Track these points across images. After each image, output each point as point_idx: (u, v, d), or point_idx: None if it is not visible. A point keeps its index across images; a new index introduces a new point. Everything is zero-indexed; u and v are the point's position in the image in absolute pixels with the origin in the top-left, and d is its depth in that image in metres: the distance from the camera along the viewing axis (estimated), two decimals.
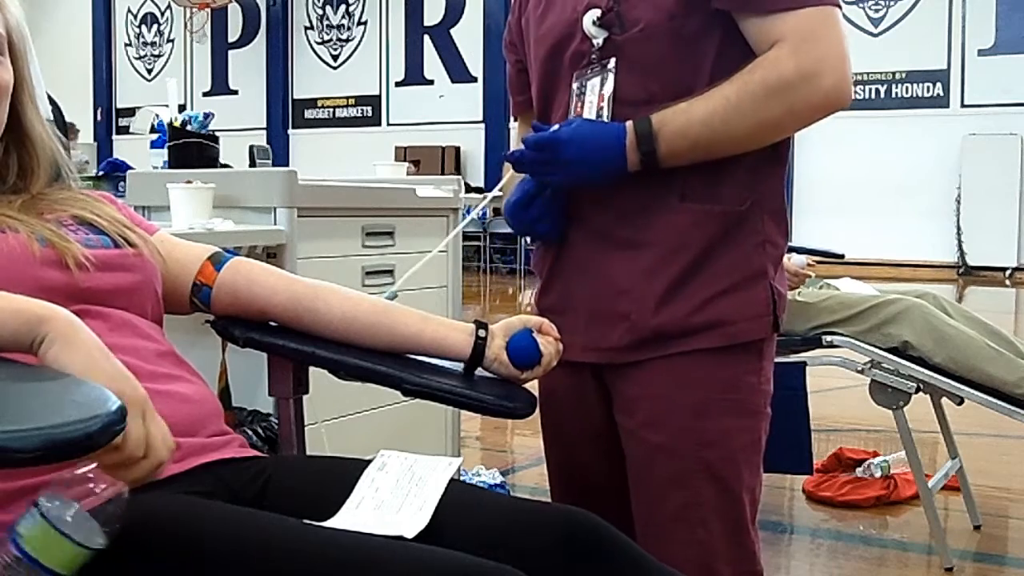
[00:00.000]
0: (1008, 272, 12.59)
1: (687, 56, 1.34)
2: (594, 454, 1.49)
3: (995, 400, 2.69)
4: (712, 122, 1.28)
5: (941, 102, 13.31)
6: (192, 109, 2.82)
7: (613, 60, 1.36)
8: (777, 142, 1.37)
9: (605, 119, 1.36)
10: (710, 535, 1.35)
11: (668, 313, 1.35)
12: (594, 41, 1.37)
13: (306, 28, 17.68)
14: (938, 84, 13.28)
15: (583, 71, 1.40)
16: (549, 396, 1.51)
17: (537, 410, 1.32)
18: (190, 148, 2.59)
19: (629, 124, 1.31)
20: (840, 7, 1.34)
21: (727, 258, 1.35)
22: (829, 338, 2.83)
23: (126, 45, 19.26)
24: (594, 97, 1.38)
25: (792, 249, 2.92)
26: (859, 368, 2.85)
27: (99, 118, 19.11)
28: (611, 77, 1.36)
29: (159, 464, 0.90)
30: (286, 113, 17.79)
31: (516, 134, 1.65)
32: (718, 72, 1.32)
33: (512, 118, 1.70)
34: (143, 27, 19.16)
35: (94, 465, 0.84)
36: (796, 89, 1.27)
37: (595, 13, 1.36)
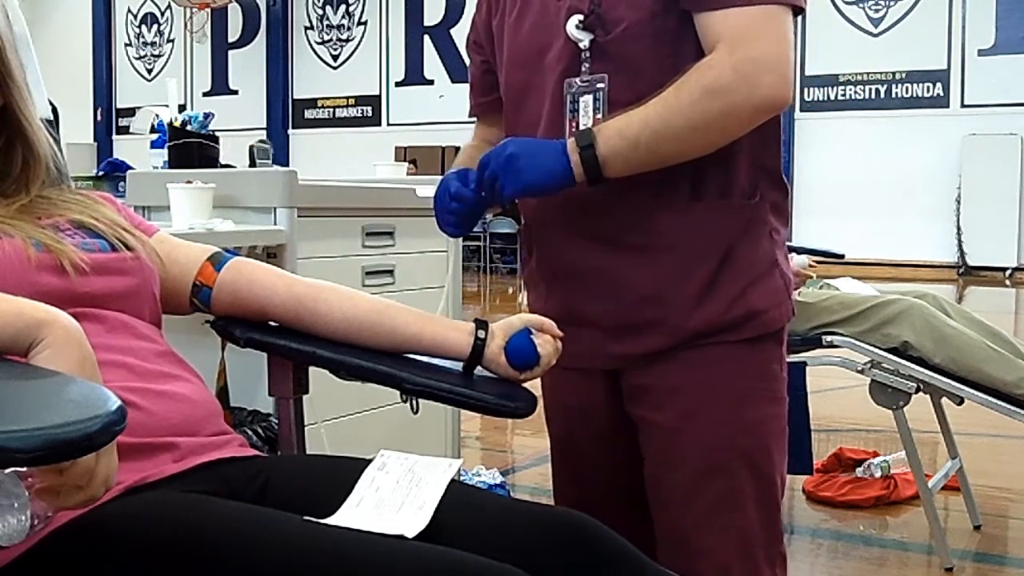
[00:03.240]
0: (1008, 272, 12.59)
1: (671, 55, 1.33)
2: (603, 457, 1.49)
3: (995, 400, 2.69)
4: (651, 122, 1.27)
5: (941, 102, 13.31)
6: (192, 109, 2.82)
7: (605, 79, 1.36)
8: (767, 131, 1.37)
9: None
10: (748, 521, 1.38)
11: (705, 313, 1.37)
12: (580, 44, 1.37)
13: (306, 28, 17.68)
14: (938, 84, 13.28)
15: (572, 81, 1.39)
16: (555, 404, 1.51)
17: (538, 410, 1.32)
18: (190, 148, 2.59)
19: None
20: (795, 7, 1.31)
21: (747, 250, 1.38)
22: (829, 338, 2.83)
23: (126, 45, 19.26)
24: (588, 120, 1.37)
25: (792, 249, 2.92)
26: (859, 368, 2.85)
27: (99, 118, 19.10)
28: (603, 96, 1.36)
29: (92, 499, 0.87)
30: (286, 113, 17.79)
31: (476, 135, 1.65)
32: None
33: (474, 118, 1.68)
34: (143, 27, 19.16)
35: (30, 479, 0.84)
36: (732, 91, 1.26)
37: (578, 17, 1.36)
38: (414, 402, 1.29)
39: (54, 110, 1.46)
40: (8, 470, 0.82)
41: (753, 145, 1.37)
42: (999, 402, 2.69)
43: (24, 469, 0.83)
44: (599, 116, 1.36)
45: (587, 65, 1.37)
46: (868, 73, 13.38)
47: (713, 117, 1.27)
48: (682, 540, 1.38)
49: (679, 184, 1.36)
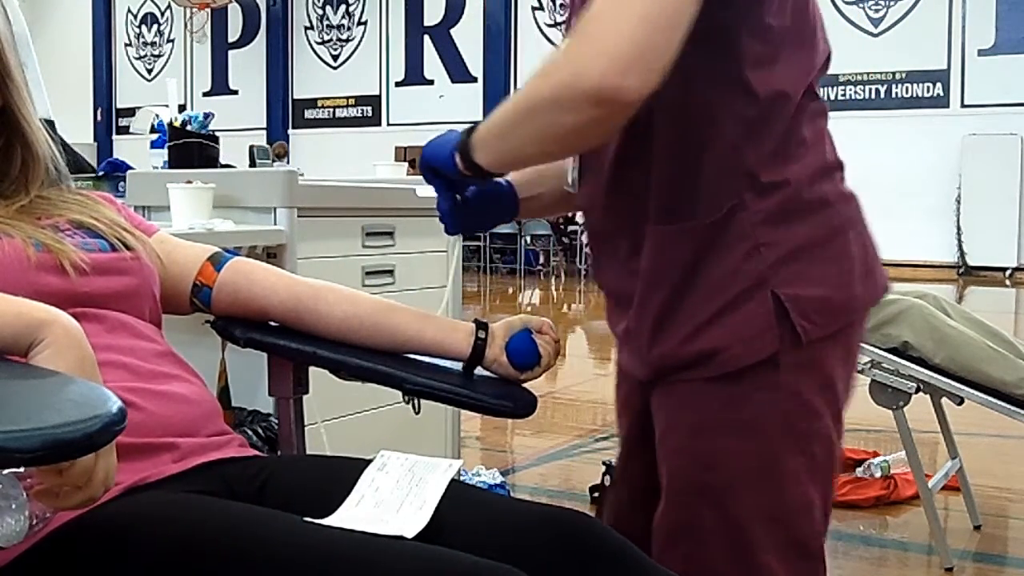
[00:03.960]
0: (1008, 272, 12.60)
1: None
2: (636, 464, 1.46)
3: (995, 400, 2.69)
4: (507, 113, 1.14)
5: (941, 102, 13.32)
6: (192, 109, 2.82)
7: None
8: (753, 127, 1.18)
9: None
10: (712, 559, 1.24)
11: (660, 347, 1.23)
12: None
13: (306, 28, 17.69)
14: (938, 84, 13.29)
15: None
16: (617, 404, 1.48)
17: (538, 410, 1.32)
18: (190, 148, 2.59)
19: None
20: None
21: (714, 276, 1.19)
22: None
23: (126, 45, 19.27)
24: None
25: None
26: (859, 368, 2.85)
27: (99, 118, 19.11)
28: None
29: (91, 500, 0.86)
30: (286, 113, 17.80)
31: None
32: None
33: None
34: (143, 27, 19.17)
35: (29, 479, 0.84)
36: (557, 77, 1.07)
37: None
38: (416, 403, 1.29)
39: (51, 123, 1.45)
40: (6, 471, 0.82)
41: (727, 146, 1.19)
42: (999, 402, 2.69)
43: (22, 470, 0.83)
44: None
45: None
46: (868, 73, 13.39)
47: (543, 107, 1.09)
48: (658, 559, 1.33)
49: (647, 207, 1.23)
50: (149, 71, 18.93)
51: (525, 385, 1.30)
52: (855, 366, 1.31)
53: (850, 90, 13.48)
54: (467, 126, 1.22)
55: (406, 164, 4.02)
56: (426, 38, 16.72)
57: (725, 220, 1.19)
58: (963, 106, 13.29)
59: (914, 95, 13.41)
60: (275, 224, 2.27)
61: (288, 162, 12.91)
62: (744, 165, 1.19)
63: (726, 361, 1.19)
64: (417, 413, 1.30)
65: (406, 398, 1.28)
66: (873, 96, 13.43)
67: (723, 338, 1.19)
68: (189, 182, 2.20)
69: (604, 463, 2.92)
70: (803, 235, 1.19)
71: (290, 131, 17.56)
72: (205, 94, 17.88)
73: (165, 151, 2.65)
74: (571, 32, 1.10)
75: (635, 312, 1.26)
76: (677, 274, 1.21)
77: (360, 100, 17.24)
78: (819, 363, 1.21)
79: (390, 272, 2.58)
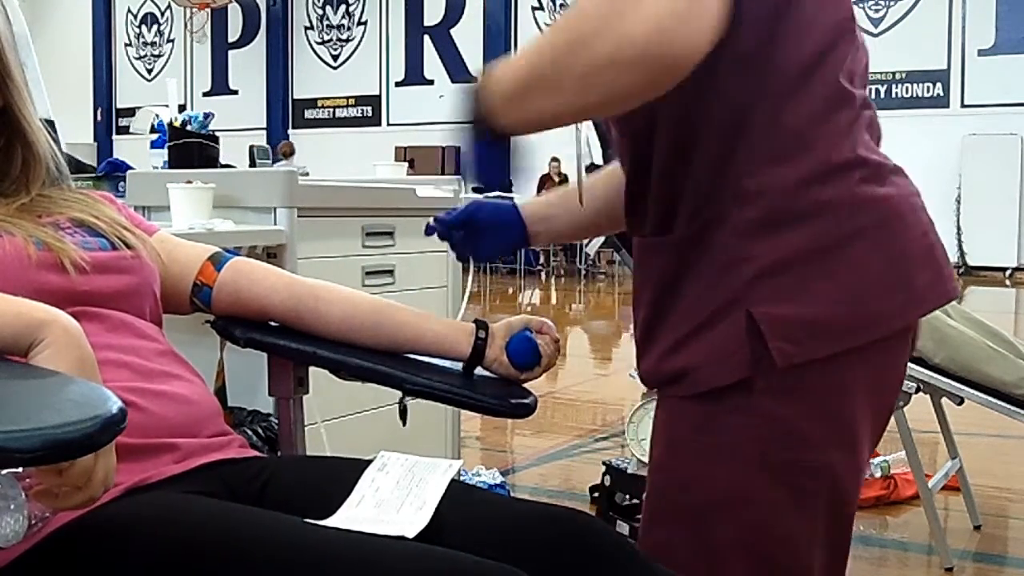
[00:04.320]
0: (1008, 272, 12.60)
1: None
2: None
3: (995, 400, 2.69)
4: (535, 73, 1.03)
5: (941, 102, 13.32)
6: (192, 109, 2.82)
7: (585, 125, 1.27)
8: (743, 127, 1.08)
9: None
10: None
11: (645, 361, 1.19)
12: None
13: (306, 28, 17.69)
14: (938, 84, 13.29)
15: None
16: None
17: (538, 410, 1.32)
18: (190, 148, 2.59)
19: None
20: None
21: (691, 292, 1.12)
22: None
23: (126, 45, 19.27)
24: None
25: None
26: None
27: (99, 118, 19.11)
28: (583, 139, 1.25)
29: (91, 500, 0.86)
30: (286, 113, 17.80)
31: None
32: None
33: None
34: (143, 27, 19.17)
35: (28, 480, 0.84)
36: (596, 42, 0.96)
37: None
38: (403, 413, 1.30)
39: (51, 123, 1.45)
40: (4, 472, 0.82)
41: (710, 154, 1.09)
42: (999, 402, 2.69)
43: (20, 470, 0.83)
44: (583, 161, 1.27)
45: None
46: (868, 73, 13.39)
47: (581, 63, 0.98)
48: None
49: (644, 221, 1.18)
50: (149, 71, 18.93)
51: (525, 385, 1.30)
52: (892, 390, 1.17)
53: None
54: (470, 84, 1.08)
55: (406, 164, 4.02)
56: (426, 38, 16.72)
57: (702, 232, 1.10)
58: (963, 106, 13.29)
59: (914, 95, 13.41)
60: (275, 224, 2.27)
61: (295, 161, 12.92)
62: (727, 172, 1.09)
63: (697, 381, 1.12)
64: (404, 424, 1.30)
65: (403, 405, 1.28)
66: (873, 96, 13.34)
67: (695, 357, 1.12)
68: (189, 182, 2.20)
69: (604, 463, 2.92)
70: (790, 246, 1.07)
71: (290, 131, 17.56)
72: (205, 94, 17.88)
73: (165, 151, 2.65)
74: None
75: (633, 323, 1.23)
76: (659, 289, 1.15)
77: (360, 100, 17.24)
78: (816, 388, 1.09)
79: (390, 272, 2.58)
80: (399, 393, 1.28)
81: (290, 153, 13.31)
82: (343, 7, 17.34)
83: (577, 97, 1.01)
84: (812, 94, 1.09)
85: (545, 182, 13.84)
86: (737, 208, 1.08)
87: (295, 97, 17.76)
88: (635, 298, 1.20)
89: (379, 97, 17.13)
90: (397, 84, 16.97)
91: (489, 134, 1.08)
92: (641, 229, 1.18)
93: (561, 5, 16.06)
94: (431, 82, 16.49)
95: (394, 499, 1.03)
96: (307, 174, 6.72)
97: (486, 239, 1.39)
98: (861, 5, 13.51)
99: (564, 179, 13.63)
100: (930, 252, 1.12)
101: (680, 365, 1.12)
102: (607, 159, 1.41)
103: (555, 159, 13.55)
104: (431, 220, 1.41)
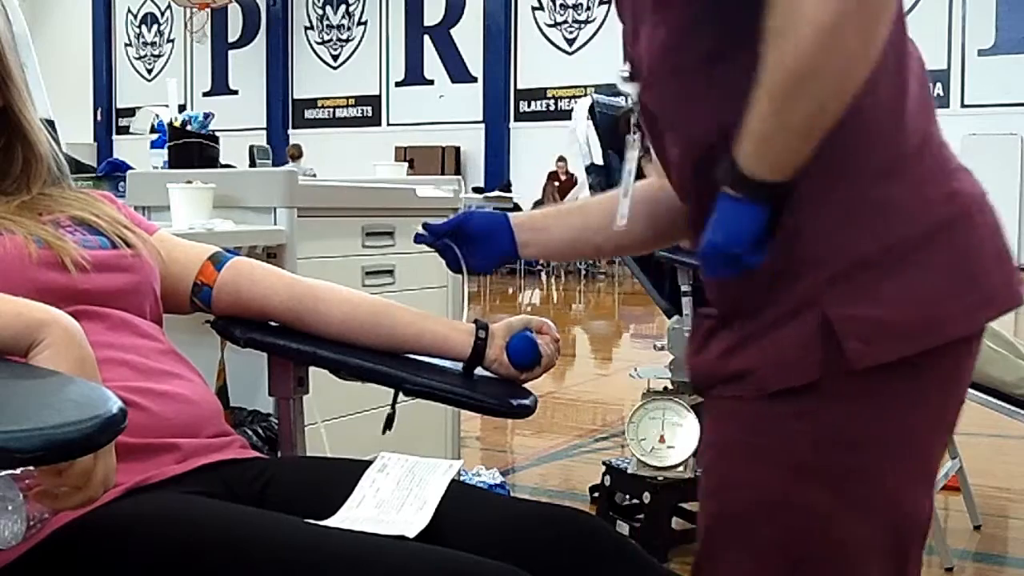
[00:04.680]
0: None
1: (694, 96, 1.10)
2: None
3: (995, 400, 2.69)
4: (768, 117, 1.02)
5: (941, 102, 13.31)
6: (192, 109, 2.82)
7: (637, 133, 1.22)
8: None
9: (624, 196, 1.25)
10: None
11: (700, 357, 1.16)
12: (629, 100, 1.22)
13: (306, 28, 17.69)
14: (938, 84, 13.28)
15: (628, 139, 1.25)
16: None
17: (538, 410, 1.31)
18: (190, 148, 2.59)
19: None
20: None
21: (757, 293, 1.09)
22: None
23: (126, 45, 19.26)
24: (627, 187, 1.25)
25: None
26: None
27: (99, 118, 19.11)
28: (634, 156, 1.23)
29: (90, 500, 0.86)
30: (286, 113, 17.80)
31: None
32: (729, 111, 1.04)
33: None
34: (143, 27, 19.17)
35: (27, 481, 0.84)
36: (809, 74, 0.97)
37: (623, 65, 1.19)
38: (390, 421, 1.30)
39: (51, 123, 1.45)
40: (2, 473, 0.82)
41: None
42: (999, 402, 2.69)
43: (19, 471, 0.83)
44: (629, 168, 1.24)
45: (635, 119, 1.22)
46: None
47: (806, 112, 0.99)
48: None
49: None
50: (149, 71, 18.93)
51: (525, 385, 1.30)
52: (956, 400, 1.13)
53: None
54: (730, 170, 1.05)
55: (406, 164, 4.03)
56: (426, 38, 16.71)
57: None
58: (963, 106, 13.28)
59: None
60: (275, 224, 2.27)
61: (303, 163, 12.94)
62: (803, 172, 1.04)
63: (761, 382, 1.09)
64: (387, 431, 1.30)
65: (403, 401, 1.28)
66: None
67: (760, 358, 1.09)
68: (189, 182, 2.20)
69: (604, 463, 2.92)
70: (864, 246, 1.05)
71: (290, 131, 17.57)
72: (205, 94, 17.88)
73: (165, 151, 2.65)
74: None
75: (692, 317, 1.21)
76: (725, 288, 1.12)
77: (360, 100, 17.24)
78: (882, 394, 1.06)
79: (390, 272, 2.58)
80: (399, 394, 1.28)
81: (298, 156, 13.34)
82: (343, 7, 17.34)
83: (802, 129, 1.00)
84: (890, 86, 1.07)
85: (552, 180, 13.85)
86: (809, 208, 1.05)
87: (295, 97, 17.76)
88: (707, 295, 1.15)
89: (379, 97, 17.13)
90: (397, 84, 16.97)
91: (754, 192, 1.04)
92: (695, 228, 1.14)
93: (561, 5, 16.06)
94: (431, 82, 16.49)
95: (394, 499, 1.03)
96: (315, 175, 6.70)
97: (475, 249, 1.38)
98: None
99: (570, 178, 13.65)
100: (1001, 252, 1.10)
101: (742, 365, 1.10)
102: (607, 160, 1.40)
103: (562, 158, 13.55)
104: (420, 227, 1.39)
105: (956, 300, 1.06)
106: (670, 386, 2.81)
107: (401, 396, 1.29)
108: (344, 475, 1.08)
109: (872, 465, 1.08)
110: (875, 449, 1.08)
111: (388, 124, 16.99)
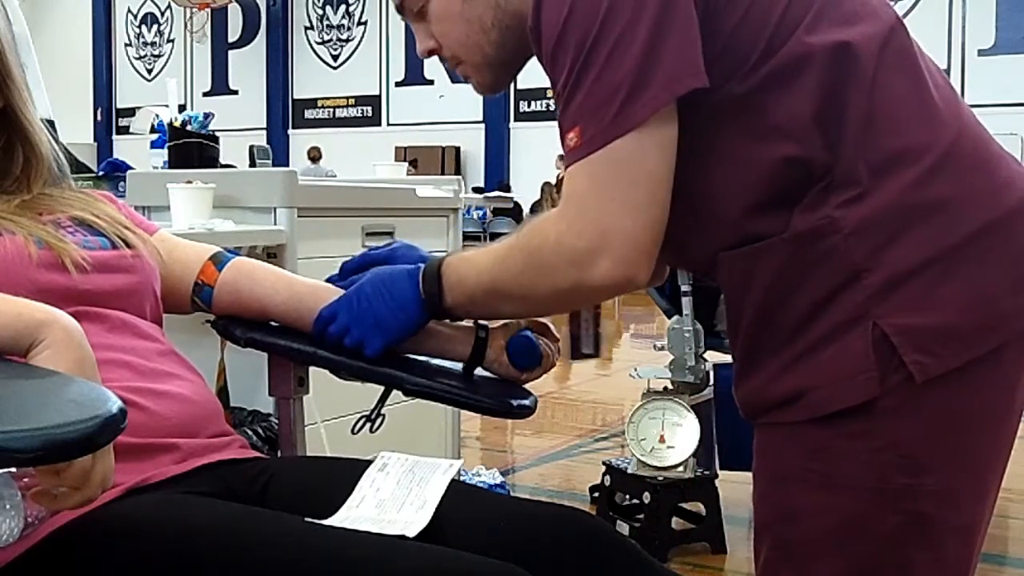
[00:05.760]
0: None
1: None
2: None
3: None
4: (483, 281, 1.14)
5: None
6: (192, 109, 2.82)
7: None
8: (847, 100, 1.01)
9: None
10: None
11: (746, 384, 1.10)
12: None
13: (306, 28, 17.68)
14: None
15: None
16: None
17: (538, 411, 1.31)
18: (190, 148, 2.59)
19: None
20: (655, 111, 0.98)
21: (803, 307, 1.02)
22: None
23: (126, 45, 19.25)
24: None
25: None
26: None
27: (99, 118, 19.10)
28: None
29: (88, 501, 0.86)
30: (286, 113, 17.79)
31: None
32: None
33: None
34: (143, 27, 19.16)
35: (25, 480, 0.84)
36: (556, 272, 1.05)
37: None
38: (375, 419, 1.30)
39: (51, 123, 1.45)
40: (1, 471, 0.82)
41: (829, 135, 1.00)
42: None
43: (17, 470, 0.83)
44: None
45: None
46: None
47: (544, 294, 1.09)
48: None
49: (720, 229, 1.09)
50: (149, 71, 18.92)
51: (525, 385, 1.30)
52: (1017, 406, 1.08)
53: None
54: (424, 267, 1.19)
55: (406, 164, 4.03)
56: None
57: (812, 236, 1.01)
58: None
59: None
60: (275, 224, 2.27)
61: (323, 164, 12.98)
62: (837, 177, 1.01)
63: (816, 403, 1.03)
64: (373, 431, 1.29)
65: (403, 401, 1.27)
66: None
67: (813, 378, 1.03)
68: (189, 182, 2.19)
69: (604, 463, 2.92)
70: (915, 251, 1.00)
71: (290, 131, 17.56)
72: (205, 94, 17.87)
73: (165, 151, 2.65)
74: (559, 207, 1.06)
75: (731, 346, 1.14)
76: (759, 301, 1.06)
77: (360, 100, 17.23)
78: (942, 406, 1.01)
79: None
80: (399, 394, 1.28)
81: (318, 157, 13.39)
82: (343, 7, 17.34)
83: (540, 308, 1.19)
84: (906, 81, 1.06)
85: (548, 191, 13.83)
86: (856, 203, 1.00)
87: (295, 97, 17.75)
88: (731, 320, 1.10)
89: (379, 97, 17.12)
90: (397, 84, 16.96)
91: (434, 312, 1.19)
92: (703, 247, 1.10)
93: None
94: (431, 82, 16.47)
95: (395, 499, 1.03)
96: (335, 176, 6.68)
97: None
98: None
99: None
100: None
101: (794, 386, 1.04)
102: None
103: (562, 158, 13.51)
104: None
105: (1013, 296, 1.01)
106: (670, 386, 2.81)
107: (400, 396, 1.29)
108: (344, 475, 1.08)
109: (936, 482, 1.03)
110: (939, 465, 1.03)
111: (388, 124, 16.98)
